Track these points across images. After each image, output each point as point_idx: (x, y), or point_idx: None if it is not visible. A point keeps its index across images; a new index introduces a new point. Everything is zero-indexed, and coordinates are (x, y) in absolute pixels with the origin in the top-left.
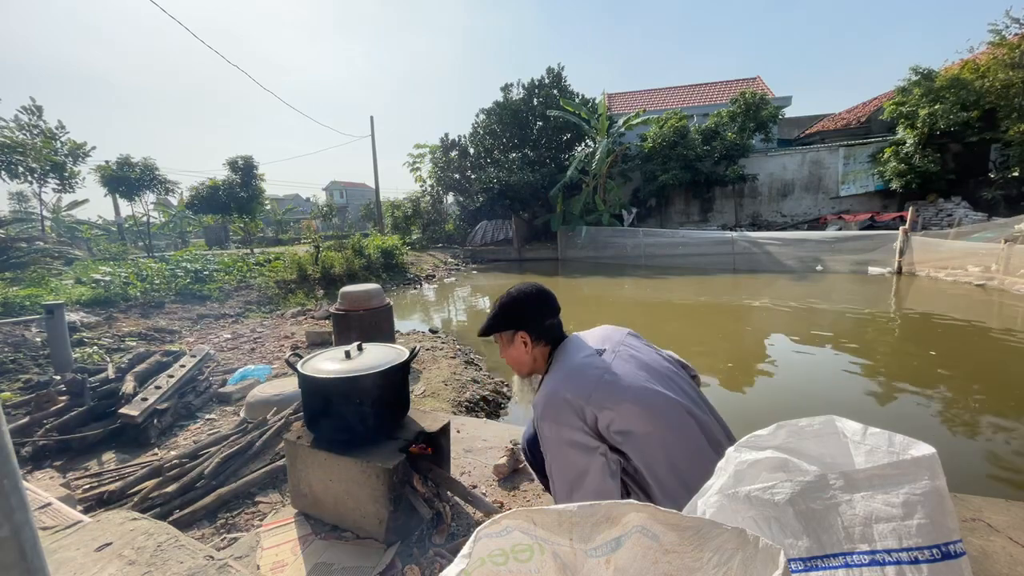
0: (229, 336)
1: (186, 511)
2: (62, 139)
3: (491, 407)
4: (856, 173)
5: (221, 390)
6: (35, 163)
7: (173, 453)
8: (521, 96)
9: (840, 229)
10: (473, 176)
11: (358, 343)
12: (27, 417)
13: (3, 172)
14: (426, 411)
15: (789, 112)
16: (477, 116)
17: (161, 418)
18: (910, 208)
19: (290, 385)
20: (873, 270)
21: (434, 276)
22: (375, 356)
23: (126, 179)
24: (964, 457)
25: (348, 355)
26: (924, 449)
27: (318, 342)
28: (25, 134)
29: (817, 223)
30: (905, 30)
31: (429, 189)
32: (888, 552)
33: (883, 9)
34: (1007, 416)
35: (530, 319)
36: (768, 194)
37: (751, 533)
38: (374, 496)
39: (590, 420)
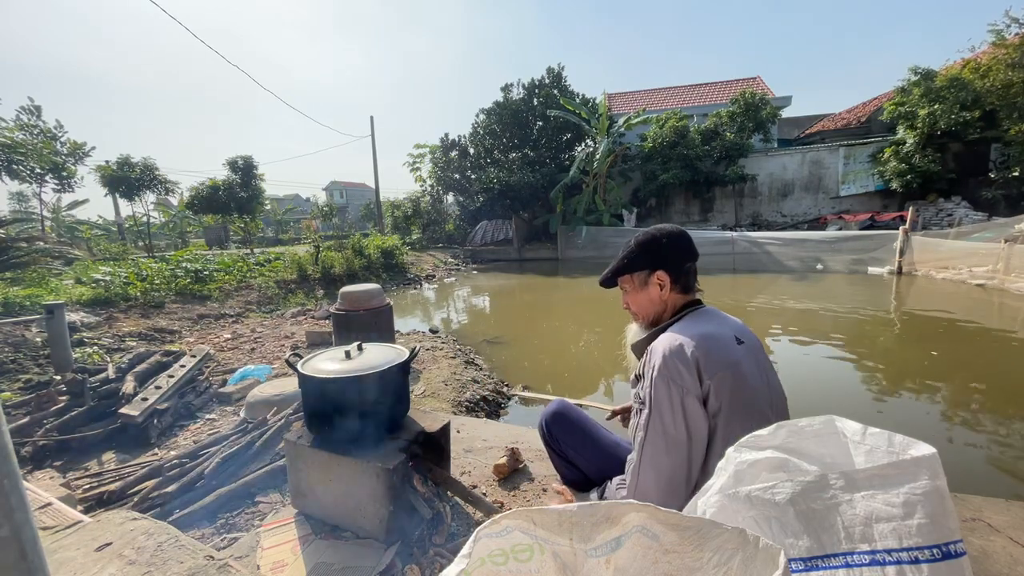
0: (229, 336)
1: (186, 511)
2: (61, 139)
3: (491, 407)
4: (856, 173)
5: (221, 390)
6: (35, 163)
7: (173, 453)
8: (521, 96)
9: (840, 229)
10: (473, 176)
11: (358, 343)
12: (27, 417)
13: (3, 172)
14: (426, 411)
15: (789, 112)
16: (477, 116)
17: (161, 418)
18: (910, 208)
19: (290, 385)
20: (873, 270)
21: (434, 276)
22: (375, 356)
23: (126, 179)
24: (964, 457)
25: (348, 355)
26: (924, 449)
27: (318, 342)
28: (25, 134)
29: (817, 223)
30: (905, 30)
31: (429, 189)
32: (888, 552)
33: (883, 9)
34: (1007, 416)
35: (671, 258)
36: (768, 194)
37: (751, 533)
38: (374, 496)
39: (703, 394)
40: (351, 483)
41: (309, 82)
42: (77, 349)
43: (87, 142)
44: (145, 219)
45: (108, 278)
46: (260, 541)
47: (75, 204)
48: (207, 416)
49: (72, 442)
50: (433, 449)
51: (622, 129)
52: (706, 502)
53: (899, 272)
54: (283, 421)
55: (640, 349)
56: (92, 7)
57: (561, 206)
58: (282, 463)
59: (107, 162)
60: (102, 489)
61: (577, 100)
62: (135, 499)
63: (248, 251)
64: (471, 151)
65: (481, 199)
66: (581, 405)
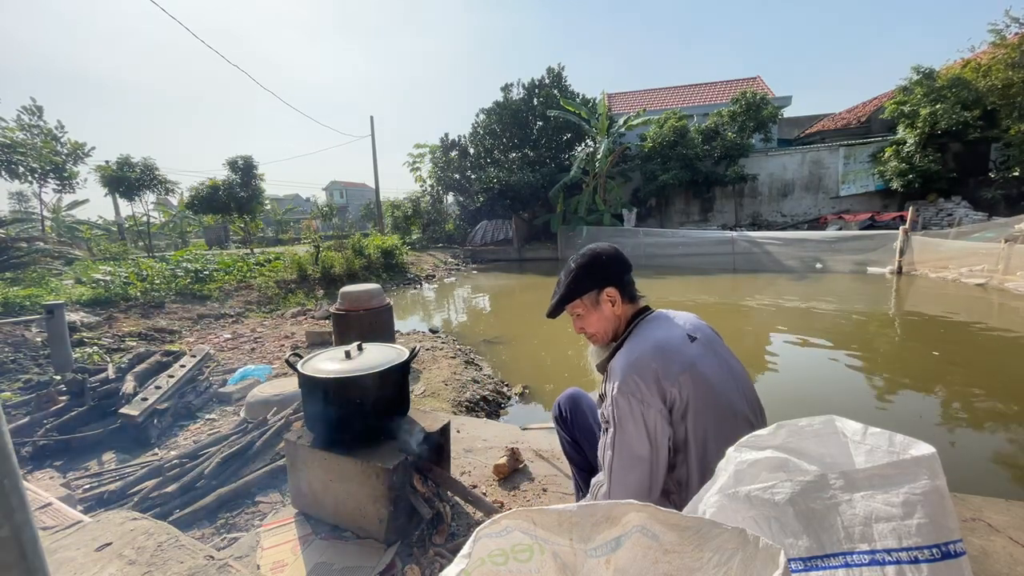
0: (229, 336)
1: (186, 511)
2: (62, 139)
3: (491, 407)
4: (856, 173)
5: (221, 390)
6: (35, 163)
7: (173, 453)
8: (521, 96)
9: (840, 229)
10: (473, 176)
11: (358, 343)
12: (27, 417)
13: (3, 172)
14: (426, 411)
15: (789, 112)
16: (477, 116)
17: (161, 418)
18: (910, 208)
19: (290, 385)
20: (873, 270)
21: (434, 276)
22: (375, 356)
23: (126, 179)
24: (964, 457)
25: (348, 355)
26: (924, 449)
27: (318, 342)
28: (26, 134)
29: (817, 223)
30: (905, 30)
31: (429, 189)
32: (888, 552)
33: (883, 9)
34: (1007, 416)
35: (614, 273)
36: (768, 194)
37: (751, 533)
38: (374, 496)
39: (669, 401)
40: (351, 483)
41: (309, 82)
42: (77, 349)
43: (87, 142)
44: (145, 219)
45: (108, 278)
46: (260, 541)
47: (75, 204)
48: (207, 416)
49: (72, 442)
50: (433, 449)
51: (622, 129)
52: (706, 502)
53: (899, 272)
54: (283, 421)
55: (605, 367)
56: (92, 7)
57: (561, 206)
58: (282, 463)
59: (107, 162)
60: (102, 489)
61: (577, 100)
62: (135, 499)
63: (248, 251)
64: (471, 151)
65: (481, 199)
66: None
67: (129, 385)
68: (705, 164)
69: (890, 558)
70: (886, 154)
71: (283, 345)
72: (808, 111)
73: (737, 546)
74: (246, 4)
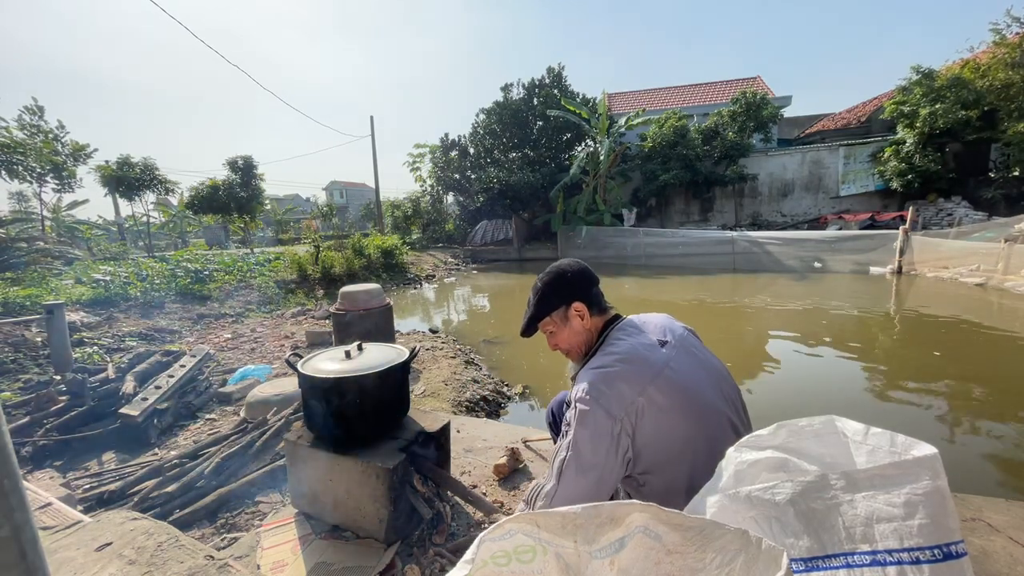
0: (229, 336)
1: (186, 511)
2: (63, 140)
3: (491, 407)
4: (856, 173)
5: (221, 390)
6: (35, 163)
7: (173, 453)
8: (521, 96)
9: (840, 229)
10: (473, 176)
11: (358, 343)
12: (27, 417)
13: (3, 172)
14: (426, 411)
15: (789, 112)
16: (477, 116)
17: (161, 418)
18: (910, 208)
19: (290, 385)
20: (873, 270)
21: (434, 276)
22: (375, 356)
23: (126, 179)
24: (965, 456)
25: (348, 355)
26: (926, 449)
27: (318, 342)
28: (27, 134)
29: (817, 223)
30: (905, 30)
31: (429, 189)
32: (889, 552)
33: (883, 9)
34: (1008, 416)
35: (580, 287)
36: (768, 194)
37: (754, 534)
38: (374, 496)
39: (634, 411)
40: (351, 483)
41: (309, 82)
42: (77, 349)
43: (89, 144)
44: (145, 219)
45: (108, 278)
46: (260, 541)
47: (75, 204)
48: (207, 416)
49: (72, 442)
50: (433, 449)
51: (622, 129)
52: (706, 502)
53: (899, 272)
54: (283, 421)
55: None
56: (92, 7)
57: (561, 206)
58: (282, 463)
59: (107, 162)
60: (102, 489)
61: (577, 100)
62: (135, 499)
63: (248, 251)
64: (471, 151)
65: (481, 199)
66: None
67: (129, 385)
68: (705, 164)
69: (891, 559)
70: (886, 154)
71: (283, 345)
72: (808, 111)
73: (740, 547)
74: (246, 4)
